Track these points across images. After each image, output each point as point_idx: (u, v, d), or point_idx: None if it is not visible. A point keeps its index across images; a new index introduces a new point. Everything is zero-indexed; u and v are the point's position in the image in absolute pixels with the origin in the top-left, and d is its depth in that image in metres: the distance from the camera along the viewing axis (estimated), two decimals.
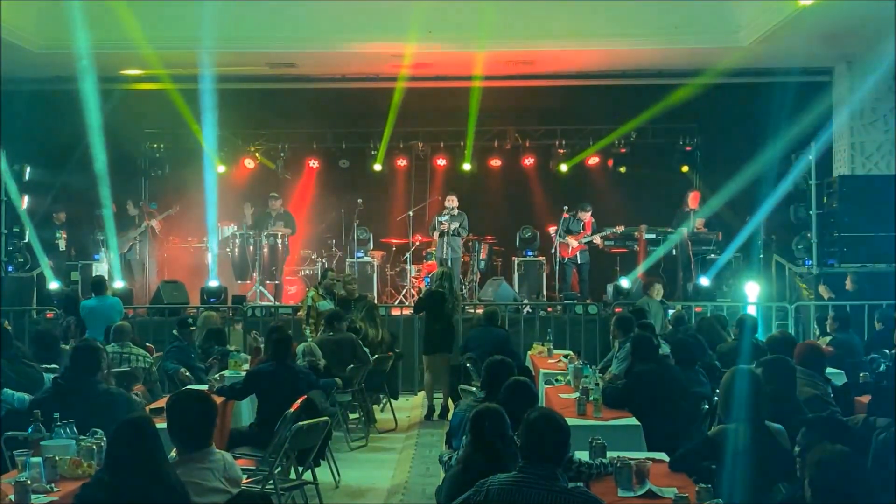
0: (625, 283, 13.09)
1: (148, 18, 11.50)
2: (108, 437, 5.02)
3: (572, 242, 13.68)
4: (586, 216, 13.88)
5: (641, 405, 6.24)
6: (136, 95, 13.73)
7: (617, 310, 11.71)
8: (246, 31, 11.86)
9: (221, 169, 15.10)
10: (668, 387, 6.36)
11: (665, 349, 7.73)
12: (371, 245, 15.01)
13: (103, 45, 12.04)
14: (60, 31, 11.74)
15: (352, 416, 9.39)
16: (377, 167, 15.52)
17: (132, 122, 14.11)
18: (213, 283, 13.39)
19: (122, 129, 13.89)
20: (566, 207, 13.94)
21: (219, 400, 7.09)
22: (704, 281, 13.06)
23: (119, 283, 12.94)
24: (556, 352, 10.01)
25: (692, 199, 14.20)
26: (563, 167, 15.58)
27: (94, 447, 4.91)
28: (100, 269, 13.44)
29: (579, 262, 13.78)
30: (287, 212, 14.63)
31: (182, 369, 8.16)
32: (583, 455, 4.87)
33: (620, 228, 14.04)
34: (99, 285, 10.76)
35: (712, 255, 13.74)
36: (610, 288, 13.42)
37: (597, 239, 13.85)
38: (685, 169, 15.09)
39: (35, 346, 7.90)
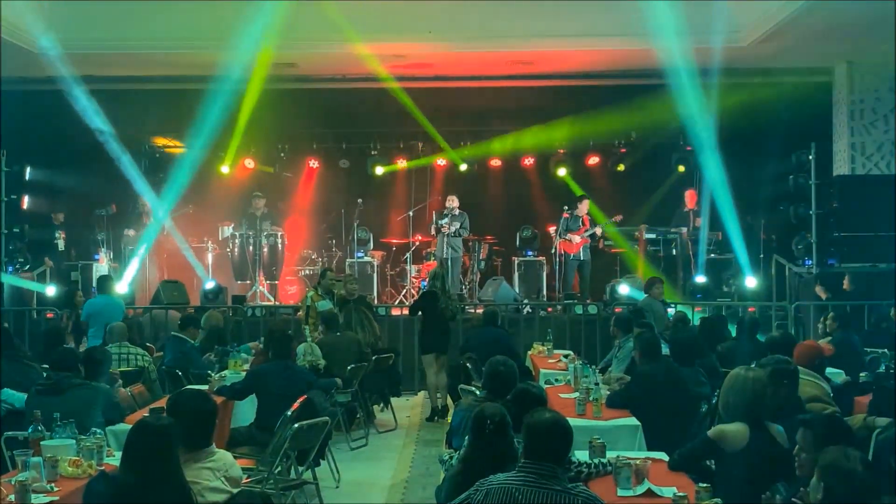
0: (624, 288, 13.03)
1: (149, 19, 11.54)
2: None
3: (575, 238, 13.61)
4: (584, 208, 13.83)
5: (643, 405, 6.25)
6: (137, 95, 13.73)
7: (616, 310, 11.72)
8: (245, 31, 11.84)
9: (225, 169, 15.06)
10: (670, 387, 6.36)
11: (665, 349, 7.73)
12: (371, 245, 15.01)
13: (102, 46, 12.09)
14: (60, 32, 11.76)
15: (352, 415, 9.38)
16: (379, 170, 15.49)
17: (132, 123, 14.09)
18: (210, 285, 13.36)
19: (122, 130, 13.91)
20: (566, 207, 13.92)
21: (219, 400, 7.10)
22: (701, 279, 13.07)
23: (125, 288, 12.82)
24: (556, 352, 10.01)
25: (689, 197, 14.19)
26: (562, 171, 15.53)
27: (94, 447, 4.91)
28: (99, 269, 13.44)
29: (582, 258, 13.72)
30: (271, 211, 14.61)
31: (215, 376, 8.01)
32: (582, 455, 4.88)
33: (619, 218, 14.01)
34: (105, 284, 10.80)
35: (712, 255, 13.76)
36: (608, 288, 13.41)
37: (598, 230, 13.81)
38: (682, 168, 15.05)
39: (39, 345, 7.92)
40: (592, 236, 13.79)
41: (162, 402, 6.17)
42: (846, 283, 11.62)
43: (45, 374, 6.54)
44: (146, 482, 3.69)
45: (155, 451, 3.76)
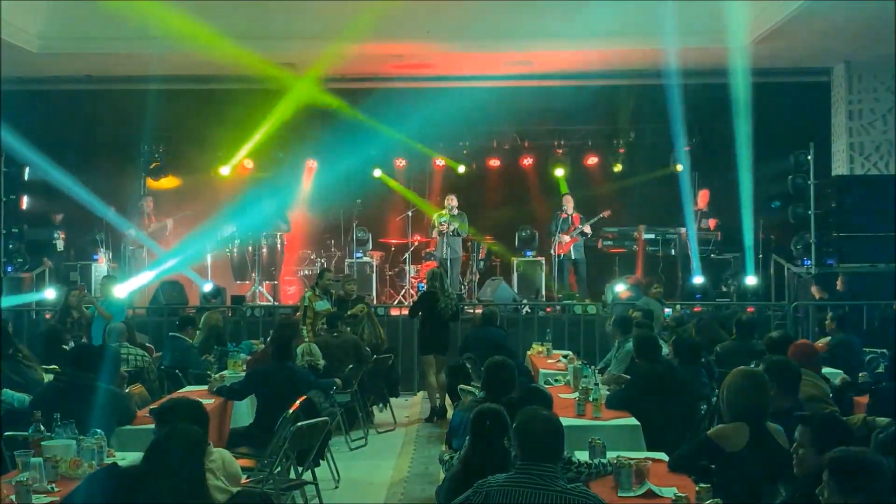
0: (620, 288, 13.03)
1: (149, 19, 11.54)
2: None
3: (564, 238, 13.64)
4: (569, 206, 13.82)
5: (643, 405, 6.25)
6: (134, 96, 13.72)
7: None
8: (245, 31, 11.86)
9: (226, 170, 15.01)
10: (669, 387, 6.37)
11: (664, 349, 7.74)
12: (370, 245, 14.99)
13: (102, 46, 12.09)
14: (60, 32, 11.77)
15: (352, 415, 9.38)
16: (376, 173, 15.46)
17: (131, 123, 14.09)
18: (208, 287, 13.33)
19: (121, 130, 13.91)
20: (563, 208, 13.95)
21: (218, 400, 7.11)
22: (698, 279, 13.08)
23: (122, 292, 12.78)
24: (555, 352, 10.01)
25: (701, 198, 14.17)
26: (559, 171, 15.49)
27: (95, 447, 4.91)
28: (98, 269, 13.43)
29: (573, 257, 13.72)
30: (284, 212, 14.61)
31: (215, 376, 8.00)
32: (582, 455, 4.88)
33: (607, 213, 14.00)
34: (109, 286, 10.80)
35: (711, 255, 13.75)
36: (607, 288, 13.42)
37: (587, 228, 13.80)
38: (679, 168, 15.04)
39: (39, 345, 7.90)
40: (582, 234, 13.80)
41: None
42: (839, 284, 11.64)
43: (59, 371, 6.50)
44: (171, 485, 3.67)
45: (186, 458, 3.75)
